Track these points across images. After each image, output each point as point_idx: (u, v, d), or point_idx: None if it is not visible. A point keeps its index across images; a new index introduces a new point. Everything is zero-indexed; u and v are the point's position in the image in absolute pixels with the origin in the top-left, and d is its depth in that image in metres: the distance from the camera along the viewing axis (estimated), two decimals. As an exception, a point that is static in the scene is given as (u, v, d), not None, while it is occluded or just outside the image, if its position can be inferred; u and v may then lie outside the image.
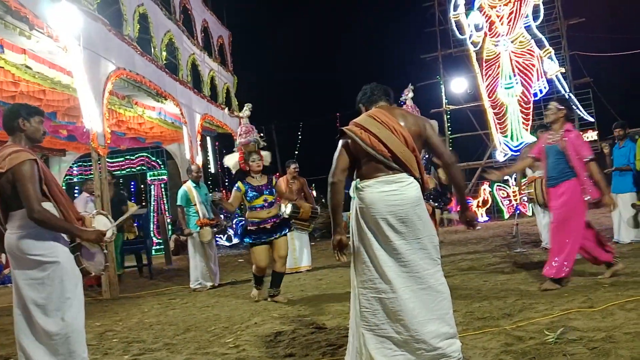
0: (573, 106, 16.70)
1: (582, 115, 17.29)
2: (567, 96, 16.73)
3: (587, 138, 16.38)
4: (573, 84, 17.66)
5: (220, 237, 15.77)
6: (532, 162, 5.52)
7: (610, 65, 19.27)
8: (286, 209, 8.52)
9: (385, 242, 2.85)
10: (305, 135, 25.55)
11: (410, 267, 2.82)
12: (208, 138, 15.80)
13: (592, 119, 17.31)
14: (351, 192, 3.06)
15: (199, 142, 11.91)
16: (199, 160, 11.47)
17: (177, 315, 5.52)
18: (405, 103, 6.58)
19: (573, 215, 4.90)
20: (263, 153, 5.96)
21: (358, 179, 3.00)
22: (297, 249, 8.38)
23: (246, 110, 6.54)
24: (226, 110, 10.13)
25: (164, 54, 11.13)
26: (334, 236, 3.00)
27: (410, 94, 6.65)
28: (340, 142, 3.05)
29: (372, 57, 35.95)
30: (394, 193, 2.88)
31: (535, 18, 17.75)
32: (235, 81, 16.16)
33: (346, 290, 5.39)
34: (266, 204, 5.65)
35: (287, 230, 5.79)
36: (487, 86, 18.16)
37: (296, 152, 26.68)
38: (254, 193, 5.68)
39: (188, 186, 7.63)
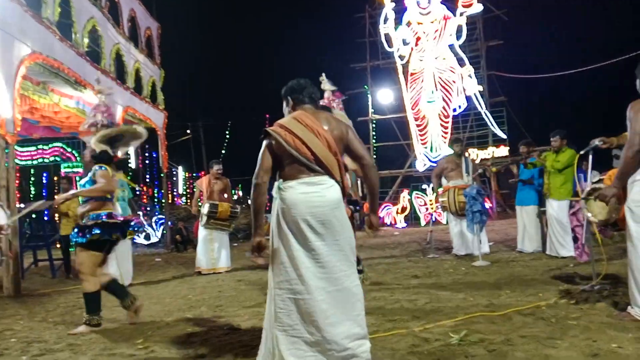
0: (488, 123, 17.69)
1: (495, 131, 18.26)
2: (483, 113, 17.70)
3: (500, 153, 17.51)
4: (489, 102, 18.78)
5: (137, 236, 15.24)
6: None
7: (523, 86, 20.83)
8: (204, 207, 8.36)
9: (304, 243, 2.86)
10: (234, 136, 25.25)
11: (328, 269, 2.85)
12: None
13: (504, 136, 18.40)
14: (273, 193, 3.04)
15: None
16: (118, 154, 10.90)
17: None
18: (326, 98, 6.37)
19: None
20: None
21: (281, 180, 2.99)
22: (215, 250, 8.24)
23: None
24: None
25: (86, 40, 10.53)
26: (254, 238, 2.99)
27: (328, 86, 6.39)
28: (265, 143, 3.03)
29: (303, 61, 36.27)
30: (315, 195, 2.90)
31: (458, 37, 18.66)
32: (162, 75, 15.64)
33: (264, 291, 5.33)
34: None
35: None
36: (411, 99, 18.88)
37: (223, 152, 26.28)
38: None
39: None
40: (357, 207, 7.10)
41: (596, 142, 4.41)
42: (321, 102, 6.13)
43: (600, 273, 4.87)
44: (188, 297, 6.02)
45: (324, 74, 6.41)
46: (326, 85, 6.36)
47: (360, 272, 5.96)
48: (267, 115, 20.69)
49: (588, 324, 3.46)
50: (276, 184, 3.01)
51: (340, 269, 2.87)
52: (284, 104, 3.28)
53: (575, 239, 6.70)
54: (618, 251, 6.77)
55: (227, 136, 26.44)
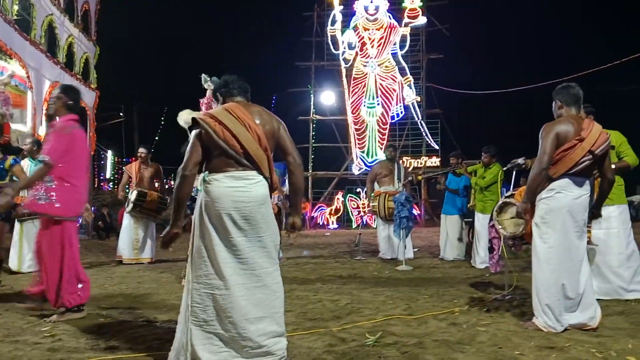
0: (423, 133, 18.16)
1: (429, 142, 18.85)
2: (419, 123, 18.31)
3: (432, 163, 18.12)
4: (425, 113, 19.21)
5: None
6: None
7: (459, 100, 21.50)
8: (131, 194, 8.05)
9: (226, 238, 2.82)
10: (170, 123, 24.57)
11: (249, 265, 2.82)
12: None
13: (437, 147, 18.89)
14: (197, 185, 2.98)
15: (44, 112, 10.78)
16: (42, 131, 10.35)
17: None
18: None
19: None
20: None
21: (207, 172, 2.93)
22: (140, 239, 7.94)
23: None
24: None
25: (16, 7, 9.90)
26: (171, 229, 2.95)
27: (209, 84, 6.06)
28: (194, 133, 2.96)
29: (247, 55, 35.78)
30: (241, 190, 2.87)
31: (401, 47, 19.12)
32: (97, 52, 14.98)
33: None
34: None
35: None
36: (352, 102, 19.15)
37: (156, 138, 25.47)
38: None
39: (22, 163, 6.59)
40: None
41: (519, 160, 4.66)
42: (202, 102, 6.03)
43: (512, 284, 5.11)
44: (105, 287, 5.80)
45: (203, 75, 6.14)
46: (208, 84, 6.12)
47: None
48: (200, 101, 20.20)
49: (496, 331, 3.62)
50: (201, 175, 2.94)
51: (261, 265, 2.85)
52: (214, 105, 3.22)
53: (491, 250, 7.03)
54: (531, 264, 7.13)
55: (162, 122, 25.58)
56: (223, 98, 3.17)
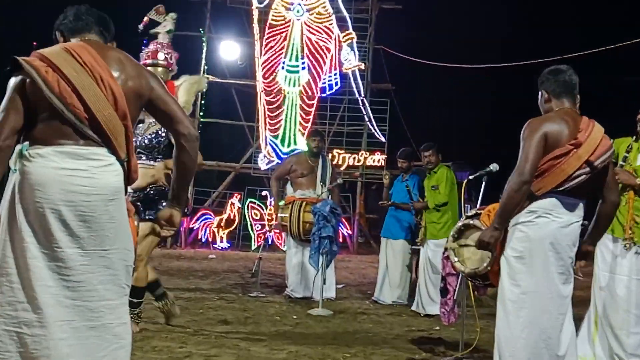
0: (365, 117, 18.25)
1: (373, 131, 18.94)
2: (360, 102, 18.55)
3: (374, 161, 18.29)
4: (370, 88, 19.32)
5: None
6: None
7: (419, 75, 21.82)
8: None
9: (49, 248, 2.77)
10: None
11: (81, 292, 2.79)
12: None
13: (383, 139, 18.84)
14: (10, 163, 2.88)
15: None
16: None
17: None
18: (156, 40, 6.26)
19: None
20: None
21: (27, 142, 2.87)
22: None
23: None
24: None
25: None
26: None
27: (169, 25, 6.32)
28: (13, 82, 2.89)
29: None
30: (81, 174, 2.83)
31: (345, -13, 19.01)
32: None
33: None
34: None
35: None
36: (265, 62, 18.79)
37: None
38: None
39: None
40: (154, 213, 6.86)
41: (491, 167, 4.93)
42: (150, 59, 6.02)
43: (471, 343, 5.32)
44: None
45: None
46: (164, 24, 6.27)
47: (160, 297, 5.95)
48: (35, 44, 19.29)
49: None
50: (18, 147, 2.86)
51: (101, 295, 2.83)
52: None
53: (443, 292, 7.26)
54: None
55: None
56: (65, 37, 3.15)
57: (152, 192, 5.61)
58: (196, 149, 3.22)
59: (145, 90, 3.06)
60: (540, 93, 4.03)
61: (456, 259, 4.41)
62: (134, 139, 3.15)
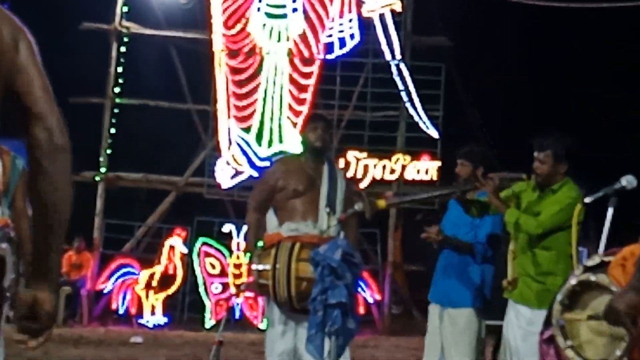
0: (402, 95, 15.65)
1: (417, 119, 15.48)
2: (394, 69, 15.48)
3: (420, 172, 15.78)
4: (411, 44, 15.99)
5: None
6: None
7: (497, 20, 18.35)
8: None
9: None
10: None
11: None
12: None
13: (435, 133, 15.53)
14: None
15: None
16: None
17: None
18: None
19: None
20: None
21: None
22: None
23: None
24: None
25: None
26: None
27: None
28: None
29: None
30: None
31: None
32: None
33: None
34: None
35: None
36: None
37: None
38: None
39: None
40: None
41: (626, 181, 4.45)
42: None
43: None
44: None
45: None
46: None
47: None
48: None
49: None
50: None
51: None
52: None
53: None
54: None
55: None
56: None
57: None
58: (66, 165, 2.08)
59: (6, 51, 2.00)
60: None
61: (568, 344, 3.57)
62: None
